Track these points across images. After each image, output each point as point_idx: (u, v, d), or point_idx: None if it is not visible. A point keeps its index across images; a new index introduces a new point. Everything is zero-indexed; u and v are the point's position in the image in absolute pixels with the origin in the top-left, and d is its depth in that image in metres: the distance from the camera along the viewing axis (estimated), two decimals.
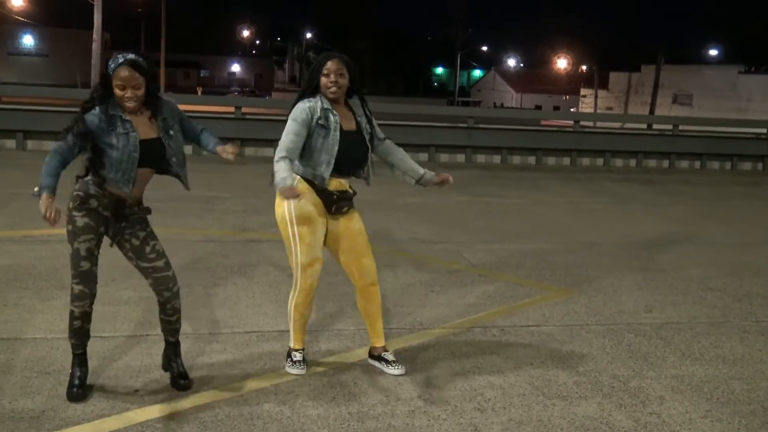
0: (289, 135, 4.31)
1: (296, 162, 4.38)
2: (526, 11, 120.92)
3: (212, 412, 4.09)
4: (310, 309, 4.72)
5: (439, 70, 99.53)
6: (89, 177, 4.03)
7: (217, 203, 9.84)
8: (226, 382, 4.48)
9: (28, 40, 72.90)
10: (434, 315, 5.89)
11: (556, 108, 68.08)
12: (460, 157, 16.58)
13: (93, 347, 4.77)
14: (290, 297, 4.65)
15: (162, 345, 4.73)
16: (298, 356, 4.72)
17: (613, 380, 4.80)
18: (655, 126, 20.42)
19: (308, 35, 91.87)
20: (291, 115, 4.38)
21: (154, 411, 4.09)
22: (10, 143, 14.62)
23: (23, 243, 7.39)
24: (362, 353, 4.96)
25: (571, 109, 62.58)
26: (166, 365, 4.43)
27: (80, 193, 4.05)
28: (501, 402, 4.41)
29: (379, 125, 4.72)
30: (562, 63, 69.95)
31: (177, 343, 4.44)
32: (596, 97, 55.75)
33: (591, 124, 20.61)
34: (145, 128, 4.04)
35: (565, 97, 72.78)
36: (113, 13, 29.60)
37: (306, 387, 4.48)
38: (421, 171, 4.72)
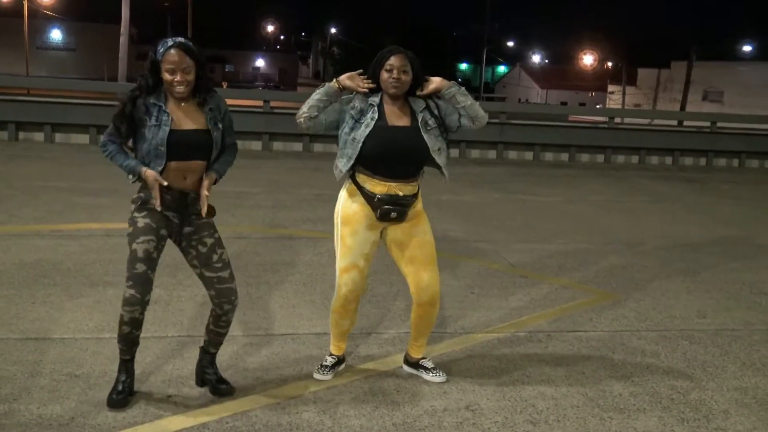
0: (313, 93, 4.18)
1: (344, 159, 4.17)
2: (553, 6, 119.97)
3: (249, 421, 3.87)
4: (349, 320, 4.44)
5: (464, 65, 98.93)
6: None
7: (246, 198, 9.63)
8: (262, 389, 4.25)
9: (56, 35, 73.29)
10: (476, 318, 5.63)
11: (582, 104, 67.47)
12: (492, 154, 16.29)
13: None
14: (332, 301, 4.41)
15: (193, 352, 4.53)
16: (327, 360, 4.51)
17: (671, 391, 4.52)
18: (691, 123, 19.92)
19: (333, 30, 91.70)
20: None
21: (188, 419, 3.87)
22: (39, 136, 14.51)
23: (51, 238, 7.21)
24: (401, 359, 4.71)
25: (597, 106, 62.00)
26: (201, 378, 4.20)
27: (141, 194, 3.85)
28: (554, 414, 4.14)
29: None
30: (588, 59, 69.31)
31: (215, 355, 4.23)
32: (624, 93, 55.10)
33: (620, 120, 20.18)
34: (191, 118, 3.83)
35: (591, 94, 72.12)
36: (140, 7, 29.49)
37: (346, 395, 4.24)
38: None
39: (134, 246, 3.77)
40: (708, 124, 17.93)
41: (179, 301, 5.60)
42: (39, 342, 4.72)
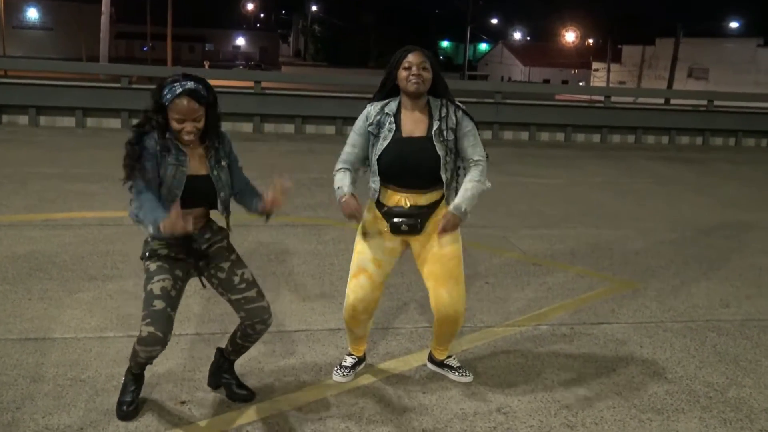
0: (347, 147, 3.96)
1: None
2: None
3: (270, 430, 3.63)
4: (363, 328, 4.18)
5: (445, 43, 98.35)
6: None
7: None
8: (281, 392, 4.02)
9: (32, 14, 72.22)
10: (495, 311, 5.41)
11: (565, 82, 67.30)
12: (487, 134, 15.99)
13: (128, 348, 4.29)
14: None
15: (204, 352, 4.28)
16: (347, 361, 4.28)
17: (708, 389, 4.32)
18: (682, 101, 19.71)
19: (313, 8, 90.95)
20: (354, 124, 3.99)
21: (204, 427, 3.63)
22: (23, 119, 14.10)
23: (44, 228, 6.91)
24: (423, 356, 4.49)
25: (580, 83, 61.88)
26: (217, 381, 3.95)
27: (148, 248, 3.60)
28: (591, 416, 3.93)
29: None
30: (570, 36, 69.15)
31: (234, 361, 3.99)
32: (609, 70, 54.96)
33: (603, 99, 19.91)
34: (196, 162, 3.51)
35: (574, 71, 71.93)
36: None
37: (370, 397, 4.00)
38: (454, 204, 3.87)
39: (149, 287, 3.50)
40: (704, 102, 17.74)
41: (185, 295, 5.30)
42: (39, 342, 4.46)
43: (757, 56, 45.81)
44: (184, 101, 3.31)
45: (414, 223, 3.84)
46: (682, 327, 5.30)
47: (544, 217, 8.58)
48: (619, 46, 58.57)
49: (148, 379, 3.98)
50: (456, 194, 3.90)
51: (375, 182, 3.89)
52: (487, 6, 75.02)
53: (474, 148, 3.88)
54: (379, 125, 3.83)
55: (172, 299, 3.52)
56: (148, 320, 3.44)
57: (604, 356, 4.72)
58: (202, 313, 5.00)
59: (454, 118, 3.83)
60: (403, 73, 3.78)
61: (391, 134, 3.80)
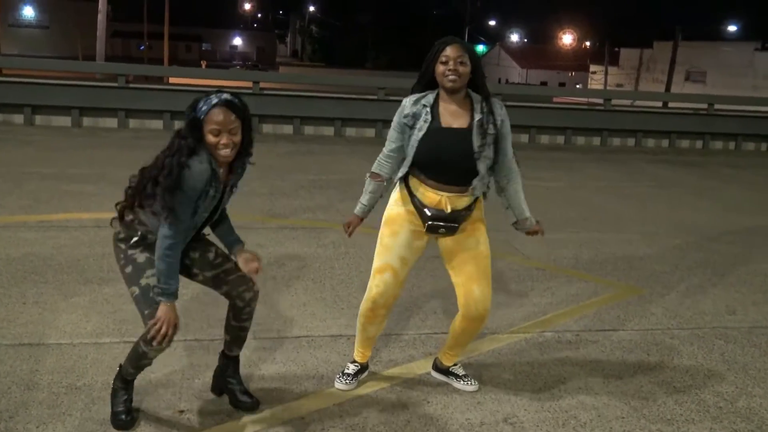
0: (386, 145, 3.87)
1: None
2: None
3: None
4: (377, 327, 4.07)
5: None
6: (131, 219, 3.39)
7: (241, 185, 9.21)
8: (283, 400, 3.91)
9: (28, 12, 71.97)
10: (499, 316, 5.30)
11: (562, 84, 67.28)
12: None
13: (124, 354, 4.19)
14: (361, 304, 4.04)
15: (203, 358, 4.17)
16: (350, 368, 4.17)
17: (717, 399, 4.23)
18: (679, 104, 19.62)
19: (311, 8, 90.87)
20: (394, 119, 3.85)
21: None
22: (18, 118, 13.96)
23: (40, 229, 6.79)
24: (427, 364, 4.39)
25: (578, 86, 61.86)
26: (221, 386, 3.84)
27: (132, 234, 3.40)
28: (600, 427, 3.83)
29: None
30: (567, 38, 69.14)
31: (238, 358, 3.85)
32: (606, 73, 54.93)
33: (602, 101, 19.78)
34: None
35: (571, 74, 71.91)
36: None
37: (374, 407, 3.90)
38: (526, 213, 4.04)
39: (143, 281, 3.35)
40: (705, 106, 17.67)
41: (181, 299, 5.19)
42: (33, 348, 4.35)
43: (754, 60, 45.79)
44: (221, 111, 3.20)
45: (453, 226, 3.77)
46: (688, 334, 5.21)
47: (546, 220, 8.37)
48: (617, 49, 58.57)
49: (145, 387, 3.89)
50: (487, 188, 3.89)
51: (402, 168, 3.79)
52: (485, 8, 75.06)
53: (510, 149, 3.85)
54: (415, 117, 3.71)
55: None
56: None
57: (611, 364, 4.63)
58: (201, 319, 4.89)
59: (500, 114, 3.74)
60: (440, 68, 3.66)
61: (427, 125, 3.67)
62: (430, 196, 3.73)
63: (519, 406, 4.00)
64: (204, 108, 3.21)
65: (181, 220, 3.22)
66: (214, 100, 3.21)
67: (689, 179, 12.65)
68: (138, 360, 3.47)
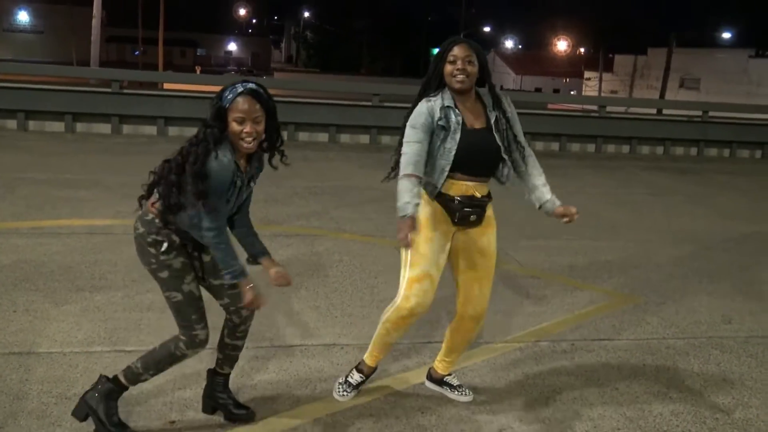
0: (413, 146, 3.62)
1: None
2: None
3: None
4: (401, 334, 3.98)
5: (436, 50, 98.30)
6: (157, 215, 3.36)
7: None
8: (275, 411, 3.87)
9: (23, 17, 71.82)
10: (494, 325, 5.26)
11: (556, 91, 67.33)
12: None
13: (115, 364, 4.19)
14: (386, 309, 3.91)
15: (195, 368, 4.12)
16: (355, 378, 4.09)
17: (713, 410, 4.20)
18: (682, 112, 19.57)
19: (306, 14, 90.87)
20: (409, 121, 3.68)
21: None
22: (11, 123, 13.89)
23: (31, 236, 6.73)
24: (421, 373, 4.35)
25: (572, 92, 61.96)
26: (212, 404, 3.78)
27: (158, 236, 3.36)
28: None
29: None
30: (562, 45, 69.18)
31: (228, 375, 3.80)
32: (601, 80, 54.94)
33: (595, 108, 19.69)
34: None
35: (565, 80, 71.99)
36: None
37: (368, 418, 3.86)
38: (548, 195, 3.87)
39: (186, 286, 3.39)
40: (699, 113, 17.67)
41: None
42: (23, 357, 4.30)
43: (749, 67, 45.83)
44: (246, 100, 3.22)
45: (483, 213, 3.78)
46: (684, 344, 5.18)
47: (541, 227, 8.44)
48: (611, 56, 58.62)
49: (136, 397, 3.84)
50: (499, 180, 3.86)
51: (438, 179, 3.70)
52: (480, 14, 75.12)
53: (521, 136, 3.88)
54: (447, 119, 3.66)
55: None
56: (203, 323, 3.45)
57: (606, 374, 4.60)
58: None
59: (508, 107, 3.79)
60: (448, 68, 3.65)
61: (460, 127, 3.65)
62: (458, 186, 3.70)
63: (514, 417, 3.97)
64: (229, 96, 3.23)
65: (218, 209, 3.24)
66: (240, 89, 3.23)
67: (684, 186, 12.64)
68: (171, 363, 3.50)
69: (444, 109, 3.66)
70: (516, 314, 5.57)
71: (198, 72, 48.16)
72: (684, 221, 9.50)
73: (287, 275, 3.59)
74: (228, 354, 3.70)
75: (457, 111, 3.66)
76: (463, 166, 3.67)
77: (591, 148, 16.54)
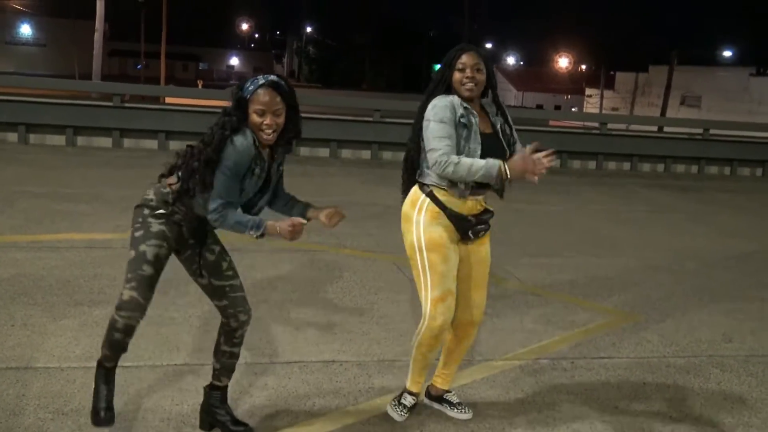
0: (443, 140, 3.53)
1: (425, 171, 3.74)
2: (531, 8, 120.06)
3: None
4: (437, 352, 3.97)
5: (438, 66, 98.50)
6: (172, 193, 3.38)
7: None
8: (272, 427, 3.84)
9: (25, 30, 72.22)
10: (493, 343, 5.25)
11: (558, 107, 67.46)
12: None
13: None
14: (416, 332, 3.88)
15: (193, 383, 4.10)
16: (408, 400, 4.05)
17: (714, 429, 4.18)
18: (683, 130, 19.59)
19: (308, 29, 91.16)
20: (433, 116, 3.60)
21: None
22: (12, 137, 13.92)
23: (30, 250, 6.72)
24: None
25: (573, 109, 62.05)
26: (209, 420, 3.74)
27: (161, 205, 3.40)
28: None
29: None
30: (563, 62, 69.42)
31: (226, 388, 3.77)
32: (602, 97, 55.06)
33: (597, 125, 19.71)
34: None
35: (567, 97, 72.16)
36: (113, 2, 28.68)
37: None
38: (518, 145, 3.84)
39: (143, 248, 3.34)
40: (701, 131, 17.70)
41: (172, 323, 5.16)
42: (20, 372, 4.27)
43: (750, 85, 45.95)
44: (267, 92, 3.26)
45: (488, 227, 3.82)
46: (685, 362, 5.16)
47: (541, 244, 8.45)
48: (613, 73, 58.78)
49: (133, 412, 3.82)
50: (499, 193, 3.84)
51: (464, 183, 3.62)
52: (482, 30, 75.22)
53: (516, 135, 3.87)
54: (467, 118, 3.63)
55: (161, 268, 3.41)
56: (134, 284, 3.31)
57: (606, 393, 4.57)
58: (192, 343, 4.83)
59: (506, 113, 3.81)
60: (457, 75, 3.65)
61: (479, 128, 3.64)
62: (469, 205, 3.71)
63: None
64: (251, 88, 3.27)
65: (228, 196, 3.26)
66: (261, 81, 3.28)
67: (685, 204, 12.64)
68: (109, 334, 3.39)
69: (462, 108, 3.63)
70: (516, 331, 5.54)
71: (200, 86, 48.25)
72: (685, 239, 9.49)
73: (338, 212, 3.61)
74: (225, 363, 3.67)
75: (474, 113, 3.65)
76: None
77: (592, 165, 16.57)
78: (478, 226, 3.75)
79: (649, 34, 52.14)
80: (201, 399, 3.84)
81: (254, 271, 6.56)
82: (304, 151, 15.22)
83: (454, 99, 3.65)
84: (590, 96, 60.99)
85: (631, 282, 7.11)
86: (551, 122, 23.61)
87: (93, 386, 3.49)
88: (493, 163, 3.45)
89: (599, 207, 11.64)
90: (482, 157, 3.55)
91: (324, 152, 15.29)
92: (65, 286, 5.81)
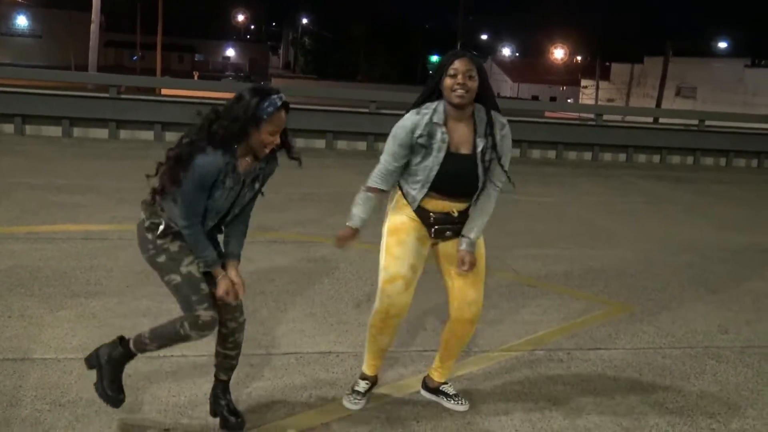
0: (386, 156, 3.74)
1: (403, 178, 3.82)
2: (528, 1, 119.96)
3: None
4: (389, 337, 3.99)
5: (435, 57, 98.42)
6: (156, 202, 3.39)
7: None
8: (270, 419, 3.85)
9: (21, 21, 71.93)
10: (490, 334, 5.26)
11: (553, 99, 67.43)
12: None
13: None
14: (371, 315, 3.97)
15: (191, 375, 4.11)
16: (361, 385, 4.09)
17: (710, 420, 4.19)
18: (678, 121, 19.59)
19: (304, 21, 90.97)
20: (393, 129, 3.72)
21: None
22: (8, 128, 13.87)
23: (27, 241, 6.71)
24: (416, 383, 4.33)
25: (569, 100, 62.04)
26: (215, 408, 3.76)
27: (157, 221, 3.39)
28: None
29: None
30: (559, 53, 69.40)
31: (228, 382, 3.78)
32: (597, 88, 55.09)
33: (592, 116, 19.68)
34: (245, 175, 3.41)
35: (562, 88, 72.13)
36: None
37: (363, 426, 3.85)
38: (470, 234, 3.79)
39: (185, 268, 3.36)
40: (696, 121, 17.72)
41: (170, 314, 5.14)
42: (17, 363, 4.27)
43: (745, 76, 45.96)
44: (284, 114, 3.27)
45: (459, 229, 3.79)
46: (680, 353, 5.18)
47: (537, 236, 8.46)
48: (608, 64, 58.78)
49: (130, 404, 3.81)
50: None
51: (416, 190, 3.73)
52: (478, 21, 75.24)
53: (502, 170, 3.75)
54: (431, 136, 3.65)
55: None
56: (205, 305, 3.35)
57: (602, 384, 4.58)
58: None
59: (498, 136, 3.70)
60: (448, 81, 3.60)
61: (445, 145, 3.64)
62: (436, 203, 3.73)
63: (510, 427, 3.95)
64: (270, 109, 3.23)
65: (193, 203, 3.26)
66: (278, 102, 3.25)
67: (680, 195, 12.66)
68: (175, 341, 3.46)
69: (430, 125, 3.64)
70: (512, 323, 5.56)
71: (196, 77, 48.11)
72: (680, 230, 9.51)
73: (238, 290, 3.50)
74: (221, 362, 3.70)
75: (444, 129, 3.64)
76: (441, 186, 3.69)
77: (588, 156, 16.58)
78: (437, 226, 3.76)
79: (645, 26, 52.10)
80: (198, 391, 3.87)
81: (250, 263, 6.53)
82: (300, 142, 15.07)
83: (422, 119, 3.66)
84: (586, 87, 61.01)
85: (626, 273, 7.12)
86: (547, 113, 23.51)
87: (108, 366, 3.54)
88: (351, 217, 3.80)
89: (595, 198, 11.65)
90: (441, 176, 3.64)
91: (320, 143, 15.28)
92: (62, 278, 5.80)
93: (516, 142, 15.77)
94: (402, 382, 4.42)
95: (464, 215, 3.79)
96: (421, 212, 3.77)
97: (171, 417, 3.79)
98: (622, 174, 14.82)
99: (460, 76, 3.57)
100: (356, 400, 4.03)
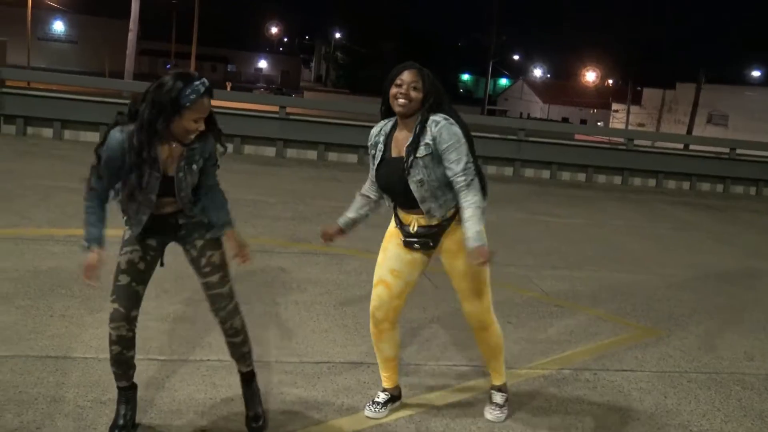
0: (371, 163, 4.01)
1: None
2: (560, 22, 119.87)
3: None
4: (388, 345, 4.15)
5: (466, 76, 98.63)
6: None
7: (264, 208, 9.32)
8: (301, 425, 3.96)
9: (58, 26, 73.11)
10: (517, 351, 5.34)
11: (584, 121, 67.31)
12: (508, 170, 16.00)
13: (147, 372, 4.31)
14: None
15: (226, 379, 4.24)
16: (380, 396, 4.22)
17: None
18: (709, 148, 19.54)
19: (337, 35, 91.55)
20: None
21: None
22: (47, 132, 14.17)
23: (67, 243, 6.90)
24: (447, 394, 4.45)
25: (599, 123, 61.86)
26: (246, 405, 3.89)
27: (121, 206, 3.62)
28: None
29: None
30: (590, 75, 69.23)
31: (250, 375, 3.88)
32: (628, 112, 54.95)
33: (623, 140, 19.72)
34: (164, 162, 3.42)
35: (593, 111, 71.97)
36: (144, 2, 28.90)
37: None
38: (468, 233, 3.63)
39: (117, 259, 3.53)
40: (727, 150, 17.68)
41: (204, 318, 5.28)
42: (60, 361, 4.42)
43: None
44: (207, 100, 3.28)
45: (425, 242, 3.90)
46: (706, 378, 5.23)
47: (565, 257, 8.52)
48: (640, 88, 58.63)
49: (168, 404, 3.95)
50: (454, 208, 3.84)
51: (387, 199, 4.00)
52: (510, 41, 75.25)
53: (456, 163, 3.66)
54: (375, 146, 3.89)
55: (139, 273, 3.53)
56: (114, 297, 3.51)
57: (628, 405, 4.65)
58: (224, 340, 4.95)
59: (432, 133, 3.68)
60: (393, 90, 3.75)
61: (380, 154, 3.85)
62: (403, 215, 3.92)
63: None
64: (193, 96, 3.20)
65: (92, 178, 3.49)
66: (202, 89, 3.22)
67: (709, 223, 12.66)
68: (109, 348, 3.53)
69: (380, 134, 3.88)
70: (539, 342, 5.63)
71: (228, 88, 48.57)
72: (708, 257, 9.53)
73: (241, 254, 3.61)
74: (232, 352, 3.79)
75: (383, 140, 3.86)
76: (388, 193, 3.92)
77: (617, 180, 16.60)
78: (408, 238, 3.90)
79: (678, 52, 51.96)
80: (233, 394, 3.99)
81: (283, 274, 6.69)
82: (332, 156, 15.37)
83: (381, 128, 3.91)
84: (617, 111, 60.86)
85: (653, 298, 7.17)
86: (577, 136, 23.53)
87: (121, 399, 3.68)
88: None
89: (623, 222, 11.68)
90: (379, 180, 3.89)
91: (352, 158, 15.42)
92: (101, 280, 5.94)
93: (545, 164, 16.03)
94: (431, 394, 4.51)
95: (428, 230, 3.82)
96: (397, 221, 3.97)
97: (208, 418, 3.91)
98: (651, 199, 14.83)
99: (404, 87, 3.71)
100: (375, 410, 4.14)
